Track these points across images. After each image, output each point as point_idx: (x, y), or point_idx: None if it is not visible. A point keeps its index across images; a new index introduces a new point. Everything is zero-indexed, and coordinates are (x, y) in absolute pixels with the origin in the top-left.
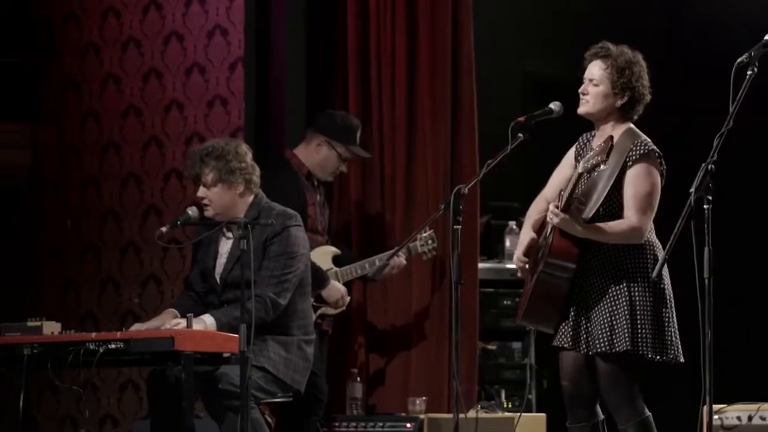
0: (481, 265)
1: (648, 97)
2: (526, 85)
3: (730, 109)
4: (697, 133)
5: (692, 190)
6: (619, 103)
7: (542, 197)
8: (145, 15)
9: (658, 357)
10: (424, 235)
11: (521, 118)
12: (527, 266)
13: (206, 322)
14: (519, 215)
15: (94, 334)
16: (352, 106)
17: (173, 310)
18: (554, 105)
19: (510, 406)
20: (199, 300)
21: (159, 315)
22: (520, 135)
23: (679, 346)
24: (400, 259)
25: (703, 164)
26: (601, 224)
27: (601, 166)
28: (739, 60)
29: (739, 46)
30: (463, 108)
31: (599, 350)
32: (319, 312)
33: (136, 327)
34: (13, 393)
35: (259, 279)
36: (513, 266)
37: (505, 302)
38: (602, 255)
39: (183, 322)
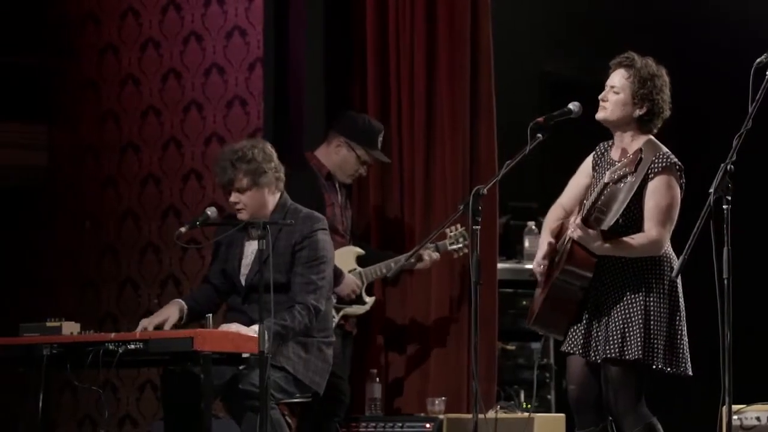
0: (500, 266)
1: (667, 113)
2: (543, 85)
3: (749, 110)
4: (715, 134)
5: (711, 190)
6: (637, 113)
7: (559, 205)
8: (164, 15)
9: (668, 369)
10: (455, 232)
11: (540, 119)
12: (545, 269)
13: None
14: (538, 216)
15: (113, 335)
16: (371, 107)
17: (179, 300)
18: (573, 105)
19: (529, 406)
20: (215, 294)
21: (164, 308)
22: (539, 135)
23: (689, 359)
24: (436, 254)
25: (722, 164)
26: (621, 239)
27: (629, 177)
28: (758, 60)
29: (758, 45)
30: (482, 108)
31: (609, 356)
32: (342, 312)
33: (142, 324)
34: (32, 393)
35: (294, 285)
36: (532, 266)
37: (524, 303)
38: (619, 265)
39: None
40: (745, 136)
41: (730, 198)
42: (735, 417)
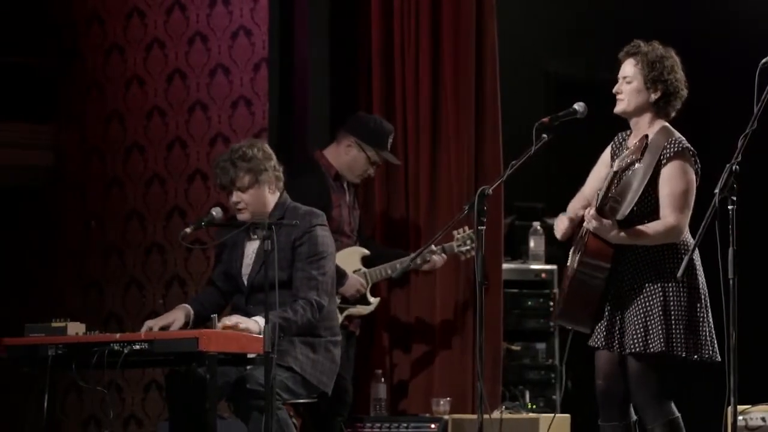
0: (505, 266)
1: (684, 92)
2: (549, 85)
3: (755, 110)
4: (721, 134)
5: (717, 190)
6: (653, 98)
7: (581, 195)
8: (169, 16)
9: (695, 356)
10: (462, 234)
11: (545, 119)
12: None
13: (259, 323)
14: (543, 216)
15: (118, 335)
16: (376, 107)
17: (186, 305)
18: (578, 106)
19: (534, 407)
20: (220, 295)
21: (170, 311)
22: (545, 136)
23: (716, 345)
24: (440, 257)
25: (728, 165)
26: (637, 228)
27: (636, 165)
28: (764, 60)
29: (763, 45)
30: (487, 109)
31: (633, 350)
32: (345, 313)
33: (146, 325)
34: (37, 393)
35: (295, 281)
36: (537, 267)
37: (529, 303)
38: (637, 255)
39: (243, 322)
40: (751, 136)
41: (735, 198)
42: (740, 417)
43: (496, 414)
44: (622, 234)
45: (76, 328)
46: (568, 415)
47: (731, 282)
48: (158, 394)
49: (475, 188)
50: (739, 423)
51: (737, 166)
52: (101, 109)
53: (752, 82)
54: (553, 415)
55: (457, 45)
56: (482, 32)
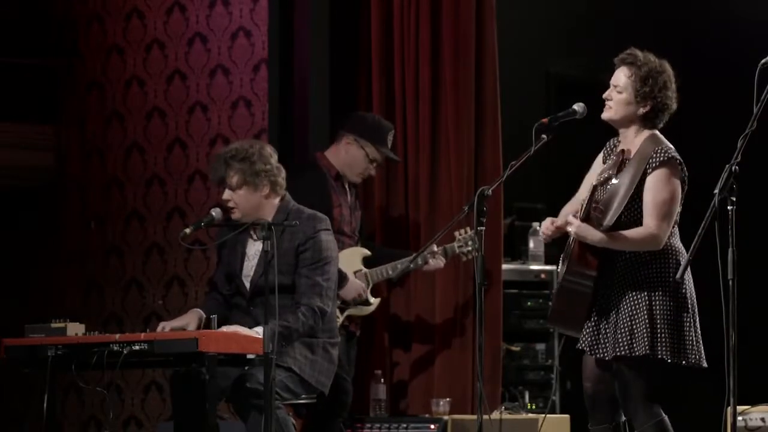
0: (504, 267)
1: (674, 107)
2: (549, 86)
3: (754, 110)
4: (720, 134)
5: (716, 191)
6: (641, 111)
7: (575, 201)
8: (168, 16)
9: (682, 362)
10: (464, 235)
11: (545, 120)
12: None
13: (260, 333)
14: (543, 216)
15: (118, 336)
16: (376, 108)
17: (198, 310)
18: (577, 106)
19: (534, 407)
20: (224, 302)
21: (184, 314)
22: (544, 136)
23: (702, 351)
24: (440, 261)
25: (727, 165)
26: (618, 232)
27: (613, 180)
28: (764, 61)
29: (764, 45)
30: (487, 109)
31: (619, 354)
32: (346, 313)
33: (161, 326)
34: (37, 394)
35: (299, 287)
36: (537, 267)
37: (528, 303)
38: (623, 261)
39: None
40: (750, 136)
41: (734, 199)
42: (740, 418)
43: (495, 414)
44: (604, 237)
45: (75, 329)
46: (567, 416)
47: (731, 283)
48: (158, 394)
49: (475, 188)
50: (738, 423)
51: (737, 167)
52: (101, 110)
53: (752, 83)
54: (537, 415)
55: (457, 45)
56: (482, 32)
